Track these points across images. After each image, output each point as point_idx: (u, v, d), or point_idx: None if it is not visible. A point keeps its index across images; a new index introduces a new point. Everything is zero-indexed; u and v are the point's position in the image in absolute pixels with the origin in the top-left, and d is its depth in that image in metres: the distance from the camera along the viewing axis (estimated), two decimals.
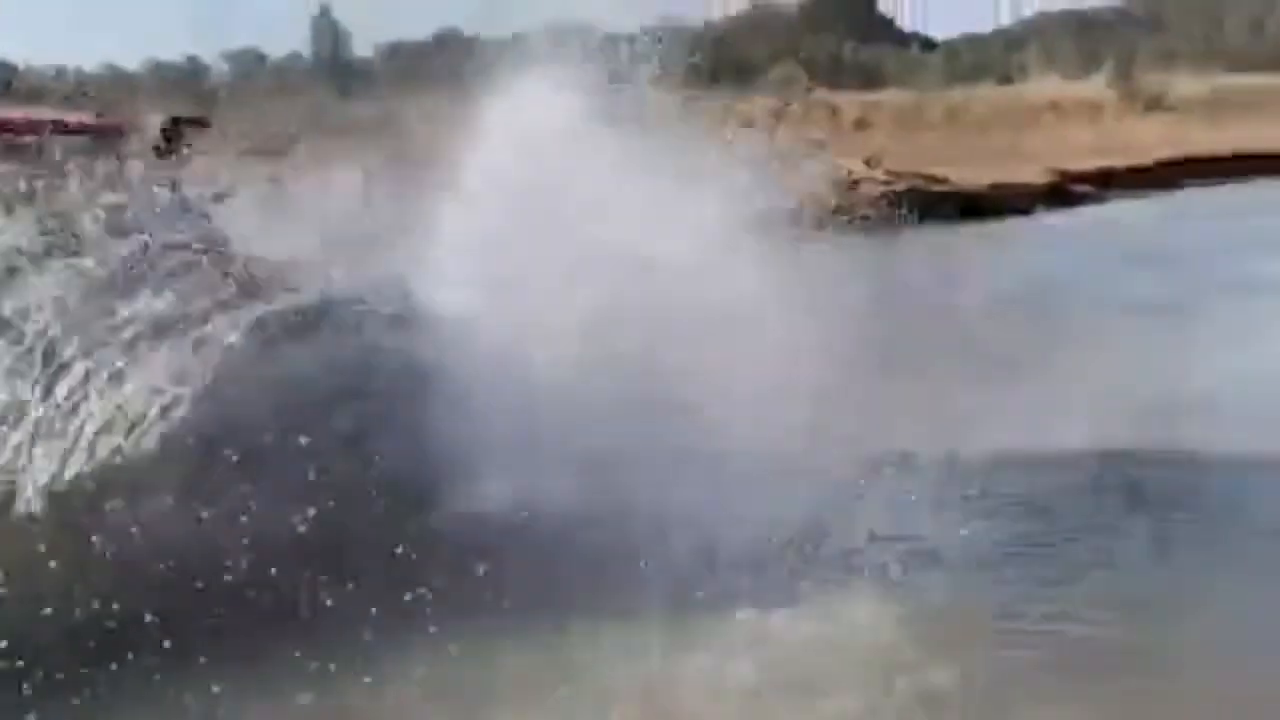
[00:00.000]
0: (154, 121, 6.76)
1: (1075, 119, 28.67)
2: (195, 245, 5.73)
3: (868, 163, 22.85)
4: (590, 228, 6.32)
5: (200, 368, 4.89)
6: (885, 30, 57.12)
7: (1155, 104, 33.77)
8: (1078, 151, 25.20)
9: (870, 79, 42.21)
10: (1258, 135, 25.84)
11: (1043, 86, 37.72)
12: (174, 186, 6.25)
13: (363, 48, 48.73)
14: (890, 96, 36.12)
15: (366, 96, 32.45)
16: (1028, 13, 60.83)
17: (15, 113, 6.50)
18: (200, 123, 7.16)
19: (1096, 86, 35.98)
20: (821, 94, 34.10)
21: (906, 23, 60.31)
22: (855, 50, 51.22)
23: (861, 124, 31.53)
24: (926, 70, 45.96)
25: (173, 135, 6.63)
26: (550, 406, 5.74)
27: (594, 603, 5.03)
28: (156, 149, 6.46)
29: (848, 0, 58.97)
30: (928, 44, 56.21)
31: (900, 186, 20.45)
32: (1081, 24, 56.87)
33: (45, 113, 6.78)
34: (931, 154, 25.62)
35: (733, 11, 53.62)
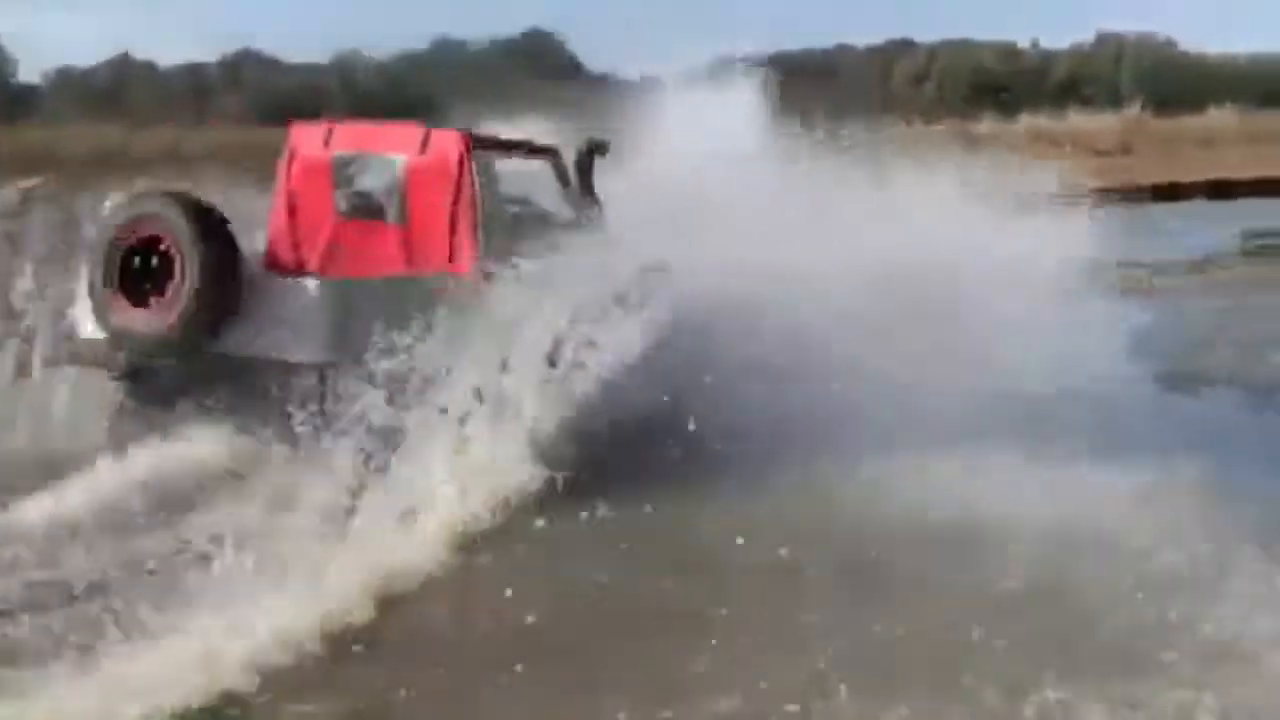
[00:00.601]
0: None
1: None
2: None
3: None
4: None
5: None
6: (573, 72, 57.73)
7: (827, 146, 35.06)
8: None
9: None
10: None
11: None
12: (592, 192, 9.45)
13: (29, 73, 46.31)
14: None
15: (37, 123, 31.07)
16: (711, 57, 62.47)
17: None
18: (607, 147, 9.65)
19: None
20: None
21: (596, 65, 61.01)
22: (543, 90, 51.57)
23: None
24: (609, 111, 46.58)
25: (591, 156, 9.46)
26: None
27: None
28: (583, 162, 9.39)
29: (537, 40, 59.38)
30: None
31: None
32: (764, 68, 58.88)
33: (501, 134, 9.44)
34: None
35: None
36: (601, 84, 58.26)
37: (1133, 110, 43.11)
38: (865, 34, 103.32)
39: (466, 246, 8.10)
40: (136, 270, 7.67)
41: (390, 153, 8.33)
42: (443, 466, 7.08)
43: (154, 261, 7.60)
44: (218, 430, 7.69)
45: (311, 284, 7.76)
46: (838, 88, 52.70)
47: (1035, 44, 63.24)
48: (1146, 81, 52.68)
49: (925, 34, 67.17)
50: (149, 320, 7.55)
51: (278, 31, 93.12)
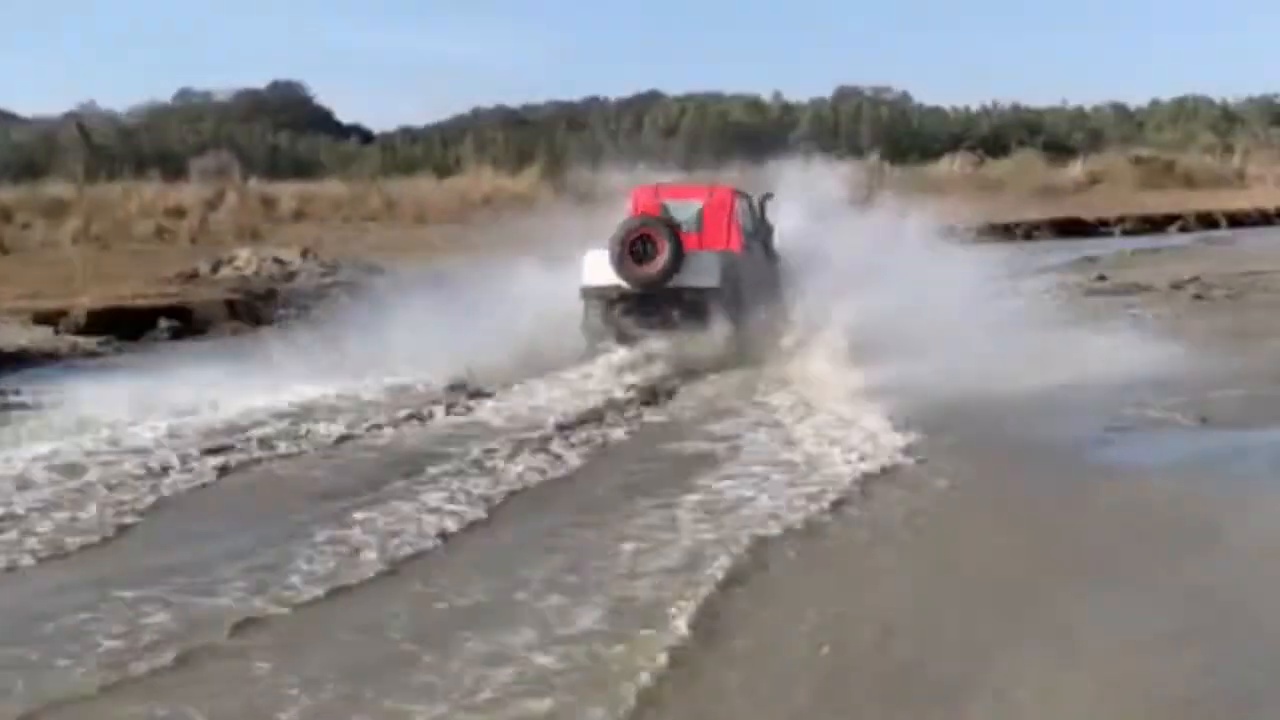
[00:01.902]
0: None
1: (511, 211, 29.57)
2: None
3: (304, 253, 22.55)
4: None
5: None
6: (323, 122, 57.01)
7: (587, 198, 35.34)
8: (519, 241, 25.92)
9: (307, 170, 41.76)
10: None
11: (478, 180, 38.58)
12: (767, 220, 15.89)
13: None
14: (327, 188, 35.94)
15: None
16: (464, 109, 62.44)
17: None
18: (773, 195, 16.25)
19: (530, 181, 37.17)
20: (256, 184, 33.45)
21: (344, 116, 60.29)
22: (292, 141, 50.71)
23: (299, 214, 31.15)
24: (364, 161, 46.05)
25: (765, 199, 15.80)
26: None
27: None
28: (762, 202, 15.77)
29: (284, 91, 58.53)
30: (366, 137, 56.51)
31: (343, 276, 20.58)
32: (515, 121, 59.18)
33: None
34: (373, 244, 25.61)
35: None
36: (353, 134, 58.00)
37: (872, 159, 44.71)
38: (615, 87, 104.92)
39: (737, 240, 14.80)
40: (635, 250, 14.13)
41: (693, 199, 15.09)
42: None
43: (646, 247, 14.10)
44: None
45: (710, 252, 14.46)
46: (589, 140, 53.36)
47: (778, 96, 65.24)
48: (883, 133, 54.91)
49: (673, 87, 68.56)
50: (649, 271, 14.03)
51: (11, 85, 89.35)
